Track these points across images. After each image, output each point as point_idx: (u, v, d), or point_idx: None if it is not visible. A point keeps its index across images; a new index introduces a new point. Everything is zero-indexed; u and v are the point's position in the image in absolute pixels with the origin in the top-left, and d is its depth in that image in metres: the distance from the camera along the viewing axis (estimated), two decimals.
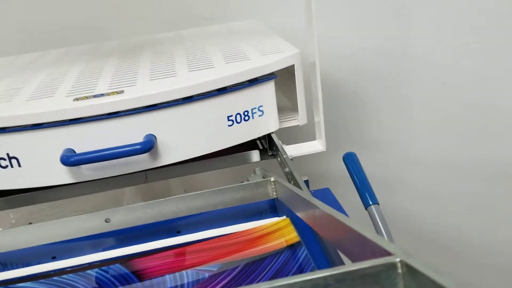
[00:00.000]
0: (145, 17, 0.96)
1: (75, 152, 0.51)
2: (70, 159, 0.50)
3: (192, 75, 0.56)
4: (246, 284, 0.38)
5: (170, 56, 0.65)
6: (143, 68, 0.61)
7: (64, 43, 0.89)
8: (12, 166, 0.52)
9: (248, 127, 0.57)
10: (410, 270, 0.20)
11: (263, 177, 0.51)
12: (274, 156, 0.60)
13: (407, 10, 0.90)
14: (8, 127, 0.51)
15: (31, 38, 0.95)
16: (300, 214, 0.40)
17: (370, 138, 1.00)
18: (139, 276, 0.41)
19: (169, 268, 0.41)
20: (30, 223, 0.54)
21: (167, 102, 0.52)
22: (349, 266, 0.21)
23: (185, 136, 0.54)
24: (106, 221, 0.45)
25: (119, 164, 0.52)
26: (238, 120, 0.56)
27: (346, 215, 0.47)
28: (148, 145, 0.50)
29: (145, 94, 0.52)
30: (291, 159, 0.55)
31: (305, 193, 0.39)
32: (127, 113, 0.51)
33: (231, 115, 0.55)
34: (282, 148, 0.57)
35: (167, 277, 0.40)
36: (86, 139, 0.51)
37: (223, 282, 0.39)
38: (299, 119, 0.63)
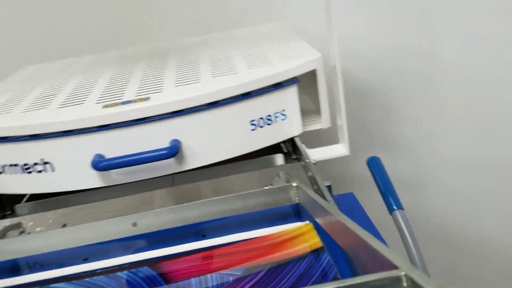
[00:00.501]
0: (172, 21, 0.98)
1: (104, 157, 0.53)
2: (100, 164, 0.52)
3: (216, 81, 0.57)
4: None
5: (195, 62, 0.67)
6: (169, 74, 0.63)
7: (94, 48, 0.92)
8: (46, 171, 0.55)
9: (271, 131, 0.58)
10: (414, 285, 0.21)
11: (287, 182, 0.52)
12: (298, 159, 0.61)
13: (432, 8, 0.89)
14: (42, 134, 0.53)
15: (63, 44, 0.98)
16: (318, 220, 0.41)
17: (396, 139, 0.99)
18: (166, 278, 0.42)
19: (194, 271, 0.42)
20: (65, 225, 0.56)
21: (192, 108, 0.53)
22: (355, 279, 0.21)
23: (209, 141, 0.55)
24: (133, 225, 0.47)
25: (146, 168, 0.54)
26: (261, 124, 0.57)
27: (369, 221, 0.48)
28: (174, 150, 0.52)
29: (171, 100, 0.53)
30: (315, 163, 0.56)
31: (322, 200, 0.39)
32: (153, 119, 0.53)
33: (254, 120, 0.56)
34: (305, 152, 0.58)
35: (192, 280, 0.41)
36: (115, 145, 0.53)
37: (247, 286, 0.40)
38: (322, 122, 0.63)
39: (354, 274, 0.40)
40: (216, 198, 0.47)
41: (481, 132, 0.95)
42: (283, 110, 0.59)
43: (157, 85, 0.59)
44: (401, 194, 0.53)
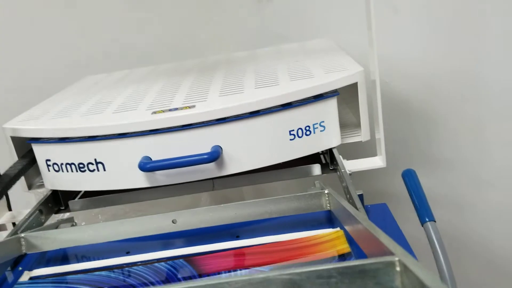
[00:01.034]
0: (225, 36, 1.03)
1: (151, 159, 0.57)
2: (146, 166, 0.56)
3: (258, 92, 0.60)
4: None
5: (241, 74, 0.70)
6: (215, 85, 0.66)
7: (151, 61, 0.98)
8: (98, 170, 0.59)
9: (309, 141, 0.60)
10: (407, 270, 0.22)
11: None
12: (335, 170, 0.62)
13: (479, 27, 0.88)
14: (97, 136, 0.58)
15: (121, 57, 1.05)
16: (347, 227, 0.42)
17: (438, 156, 0.98)
18: (199, 271, 0.45)
19: (225, 266, 0.45)
20: None
21: (233, 116, 0.56)
22: (353, 261, 0.23)
23: (248, 148, 0.58)
24: (173, 221, 0.50)
25: (188, 171, 0.57)
26: (300, 134, 0.59)
27: (400, 232, 0.48)
28: (215, 155, 0.55)
29: (214, 109, 0.56)
30: (350, 174, 0.57)
31: (351, 207, 0.41)
32: (197, 125, 0.56)
33: (293, 130, 0.59)
34: (342, 163, 0.59)
35: (223, 274, 0.44)
36: (161, 148, 0.57)
37: None
38: (362, 135, 0.64)
39: None
40: (251, 201, 0.50)
41: None
42: (322, 122, 0.60)
43: (203, 95, 0.62)
44: (434, 209, 0.53)
